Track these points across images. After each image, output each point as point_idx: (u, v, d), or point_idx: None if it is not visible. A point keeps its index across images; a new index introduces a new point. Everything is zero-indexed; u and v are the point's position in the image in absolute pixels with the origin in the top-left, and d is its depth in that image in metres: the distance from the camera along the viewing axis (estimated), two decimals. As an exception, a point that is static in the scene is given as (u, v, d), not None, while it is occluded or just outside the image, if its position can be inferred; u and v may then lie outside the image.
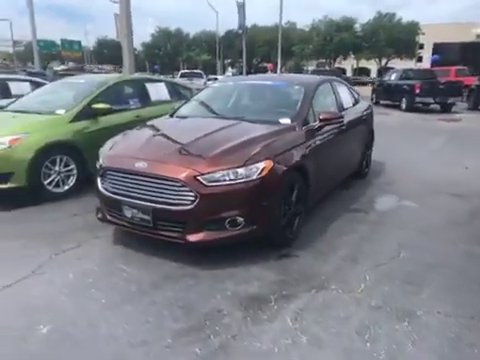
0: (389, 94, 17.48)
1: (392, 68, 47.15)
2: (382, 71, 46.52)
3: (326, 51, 50.10)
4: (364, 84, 34.70)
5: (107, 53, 64.63)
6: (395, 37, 46.49)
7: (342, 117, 4.21)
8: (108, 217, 3.48)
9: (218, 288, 2.90)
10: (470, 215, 4.45)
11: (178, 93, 6.80)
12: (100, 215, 3.58)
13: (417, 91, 15.25)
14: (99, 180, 3.50)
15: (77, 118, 5.08)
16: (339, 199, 4.89)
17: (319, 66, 56.31)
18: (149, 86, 6.23)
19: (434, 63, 25.71)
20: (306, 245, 3.59)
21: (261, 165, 3.12)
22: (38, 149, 4.57)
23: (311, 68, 58.85)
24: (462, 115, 14.66)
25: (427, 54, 52.02)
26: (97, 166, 3.60)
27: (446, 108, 15.73)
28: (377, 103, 17.91)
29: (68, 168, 4.96)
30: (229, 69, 66.17)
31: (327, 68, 43.90)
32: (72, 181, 5.02)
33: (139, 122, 5.74)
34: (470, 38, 52.39)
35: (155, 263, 3.26)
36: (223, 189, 3.02)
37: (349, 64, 54.26)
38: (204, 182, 3.00)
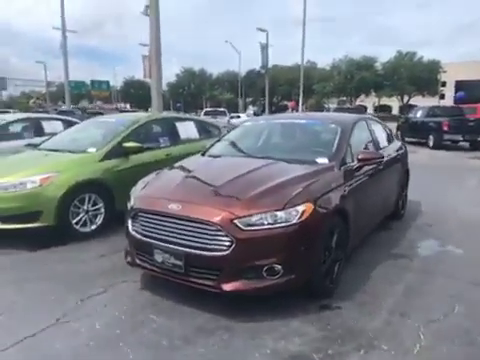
0: (415, 131, 17.20)
1: (414, 105, 46.99)
2: (404, 108, 46.54)
3: (347, 89, 50.51)
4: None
5: (133, 92, 67.16)
6: (416, 75, 46.56)
7: (382, 157, 4.01)
8: (137, 261, 3.31)
9: (256, 344, 2.64)
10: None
11: (207, 131, 6.78)
12: (129, 259, 3.42)
13: (445, 128, 14.95)
14: (130, 222, 3.36)
15: (107, 156, 5.05)
16: (377, 243, 4.60)
17: (340, 104, 56.91)
18: (179, 125, 6.22)
19: (459, 100, 25.41)
20: (348, 295, 3.30)
21: (301, 208, 2.92)
22: (68, 188, 4.52)
23: (332, 106, 59.46)
24: (494, 153, 14.18)
25: (449, 92, 51.91)
26: (128, 207, 3.48)
27: (476, 146, 15.28)
28: (402, 140, 17.60)
29: (96, 207, 4.88)
30: (250, 107, 67.30)
31: (349, 106, 44.14)
32: (99, 220, 4.92)
33: (169, 161, 5.69)
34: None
35: (186, 313, 3.03)
36: (261, 234, 2.82)
37: (371, 101, 54.39)
38: (241, 226, 2.82)
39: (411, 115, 18.38)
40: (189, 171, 3.75)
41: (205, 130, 6.76)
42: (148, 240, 3.15)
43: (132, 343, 2.64)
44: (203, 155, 4.48)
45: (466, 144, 15.57)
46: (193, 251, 2.91)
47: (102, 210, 4.93)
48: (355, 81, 48.49)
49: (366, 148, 4.40)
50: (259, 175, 3.39)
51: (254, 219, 2.84)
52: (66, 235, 4.63)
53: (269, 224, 2.84)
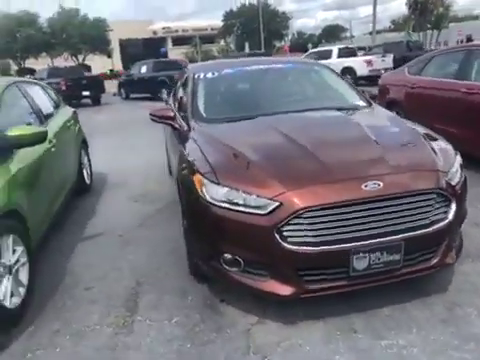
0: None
1: (88, 65, 45.51)
2: (79, 67, 44.78)
3: (13, 49, 43.36)
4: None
5: None
6: (86, 33, 45.26)
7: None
8: (314, 286, 2.13)
9: None
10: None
11: (54, 99, 4.52)
12: (289, 290, 2.11)
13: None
14: (278, 235, 2.05)
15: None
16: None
17: (4, 66, 48.68)
18: (32, 92, 3.81)
19: (162, 55, 27.62)
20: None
21: None
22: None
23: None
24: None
25: (115, 51, 54.12)
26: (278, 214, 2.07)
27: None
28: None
29: (16, 257, 2.53)
30: None
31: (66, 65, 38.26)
32: (25, 278, 2.61)
33: (54, 155, 3.57)
34: (147, 34, 58.32)
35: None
36: (458, 187, 2.43)
37: (45, 63, 49.35)
38: (452, 183, 2.35)
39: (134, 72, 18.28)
40: (293, 141, 2.54)
41: (52, 98, 4.49)
42: (340, 247, 2.07)
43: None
44: (196, 121, 3.10)
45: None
46: (413, 234, 2.17)
47: (24, 259, 2.62)
48: (21, 40, 42.19)
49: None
50: (369, 126, 2.78)
51: (453, 170, 2.42)
52: None
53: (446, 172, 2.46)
